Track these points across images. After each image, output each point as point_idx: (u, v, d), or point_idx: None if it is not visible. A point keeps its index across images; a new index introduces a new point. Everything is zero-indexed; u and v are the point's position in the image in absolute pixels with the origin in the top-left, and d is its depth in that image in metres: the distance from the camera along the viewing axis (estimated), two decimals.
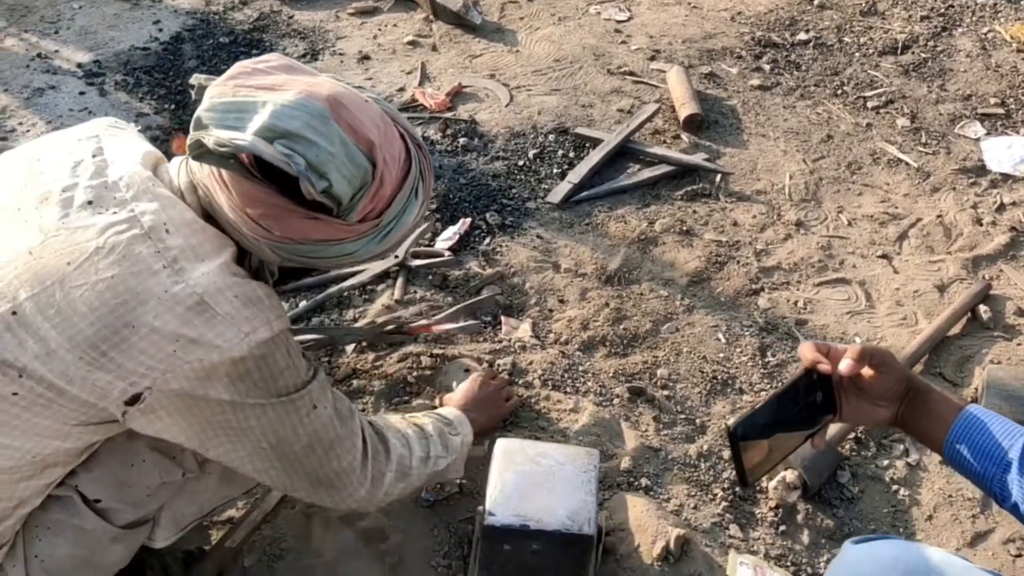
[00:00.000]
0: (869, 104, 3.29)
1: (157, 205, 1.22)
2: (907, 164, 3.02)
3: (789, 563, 1.87)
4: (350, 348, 2.22)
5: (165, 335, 1.17)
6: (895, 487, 2.05)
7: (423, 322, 2.11)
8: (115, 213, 1.21)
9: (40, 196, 1.25)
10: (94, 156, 1.30)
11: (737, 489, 1.98)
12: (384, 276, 2.45)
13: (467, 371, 2.11)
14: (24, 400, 1.19)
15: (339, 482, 1.41)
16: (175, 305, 1.17)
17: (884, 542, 1.25)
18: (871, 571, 1.19)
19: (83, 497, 1.36)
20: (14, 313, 1.17)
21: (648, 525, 1.85)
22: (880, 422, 1.28)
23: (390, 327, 2.14)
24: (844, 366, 1.21)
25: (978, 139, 3.13)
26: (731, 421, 1.19)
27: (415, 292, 2.42)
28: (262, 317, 1.22)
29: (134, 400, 1.20)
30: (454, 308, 2.26)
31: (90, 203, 1.23)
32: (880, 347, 1.26)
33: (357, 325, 2.19)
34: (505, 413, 2.04)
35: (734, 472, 1.36)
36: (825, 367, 1.22)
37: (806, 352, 1.24)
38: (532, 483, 1.63)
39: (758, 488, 2.00)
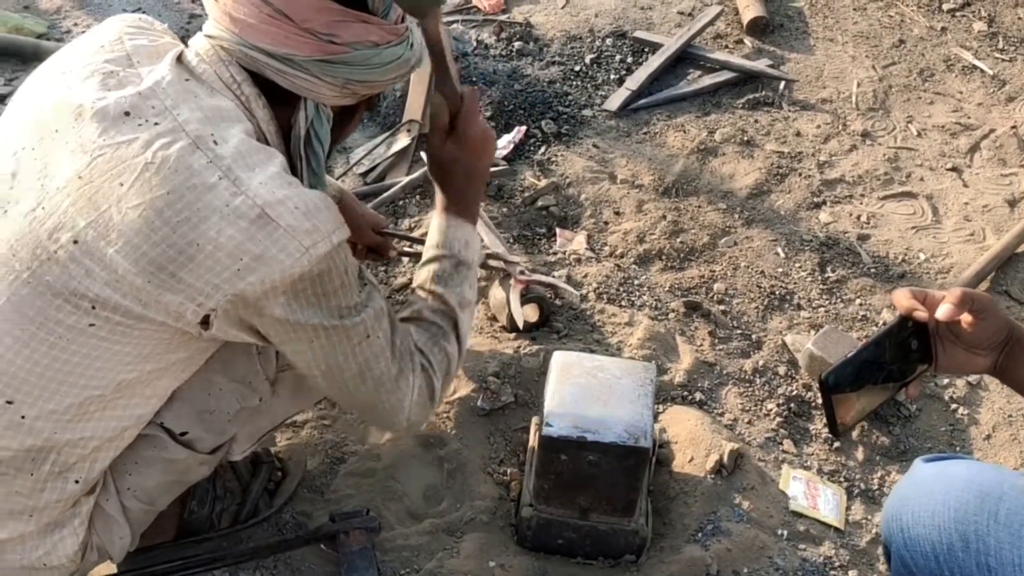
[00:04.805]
0: (944, 6, 3.12)
1: (201, 114, 1.19)
2: (982, 71, 2.88)
3: (842, 479, 1.88)
4: (406, 260, 2.23)
5: (229, 252, 1.16)
6: (954, 406, 2.03)
7: (527, 277, 2.05)
8: (156, 124, 1.18)
9: (74, 113, 1.20)
10: (121, 62, 1.25)
11: (792, 405, 1.98)
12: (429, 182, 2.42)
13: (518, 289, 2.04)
14: (102, 331, 1.19)
15: (386, 417, 1.41)
16: (237, 219, 1.15)
17: (957, 462, 1.22)
18: (943, 491, 1.17)
19: (169, 432, 1.40)
20: (75, 242, 1.16)
21: (702, 438, 1.86)
22: (978, 371, 1.23)
23: (493, 260, 2.09)
24: (943, 312, 1.16)
25: None
26: (824, 371, 1.16)
27: None
28: (323, 229, 1.20)
29: (205, 322, 1.20)
30: (555, 276, 2.20)
31: (127, 114, 1.19)
32: (981, 293, 1.21)
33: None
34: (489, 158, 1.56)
35: (825, 422, 1.37)
36: (922, 314, 1.17)
37: (901, 299, 1.18)
38: (589, 396, 1.64)
39: (813, 404, 2.00)
